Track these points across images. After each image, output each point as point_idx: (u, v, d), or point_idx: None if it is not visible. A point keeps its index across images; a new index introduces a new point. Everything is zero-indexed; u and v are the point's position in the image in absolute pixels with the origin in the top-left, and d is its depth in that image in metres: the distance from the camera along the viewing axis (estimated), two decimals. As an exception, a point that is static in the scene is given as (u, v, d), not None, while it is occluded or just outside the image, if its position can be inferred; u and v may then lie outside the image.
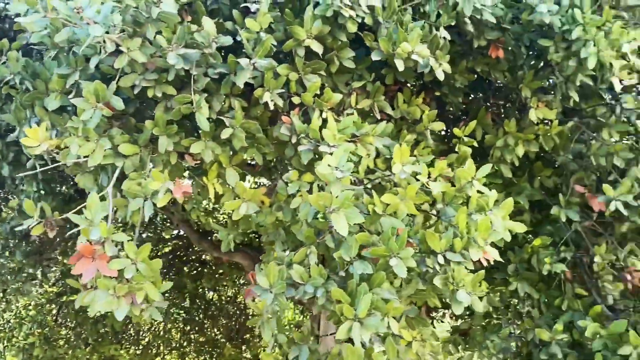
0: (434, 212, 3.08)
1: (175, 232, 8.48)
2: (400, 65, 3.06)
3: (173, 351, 10.20)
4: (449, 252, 2.74)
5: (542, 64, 4.01)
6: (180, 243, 9.05)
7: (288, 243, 3.29)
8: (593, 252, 3.92)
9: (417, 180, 3.01)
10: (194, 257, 9.13)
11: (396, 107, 3.88)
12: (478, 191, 3.09)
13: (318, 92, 3.13)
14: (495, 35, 3.68)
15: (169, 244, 8.88)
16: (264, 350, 3.18)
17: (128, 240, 2.57)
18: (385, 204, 2.78)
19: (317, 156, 3.05)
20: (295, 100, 3.08)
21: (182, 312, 10.05)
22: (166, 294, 9.86)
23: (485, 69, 3.90)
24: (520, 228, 3.07)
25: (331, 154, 2.73)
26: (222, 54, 3.07)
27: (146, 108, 3.25)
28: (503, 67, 3.92)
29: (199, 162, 3.08)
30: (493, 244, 4.41)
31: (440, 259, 2.71)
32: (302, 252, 2.83)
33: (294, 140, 2.96)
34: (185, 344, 10.23)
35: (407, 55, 3.07)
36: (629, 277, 3.79)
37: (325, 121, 3.02)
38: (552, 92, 4.18)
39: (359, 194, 2.93)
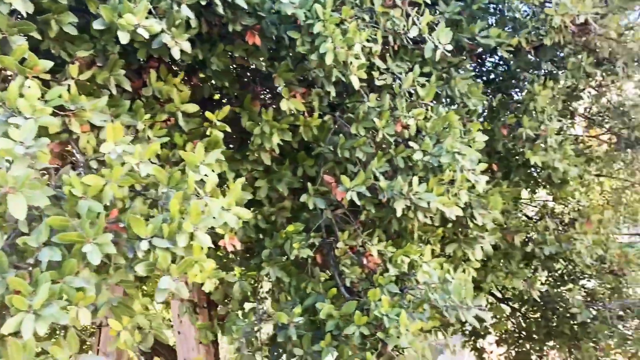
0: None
1: None
2: (123, 38, 2.86)
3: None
4: (156, 237, 2.64)
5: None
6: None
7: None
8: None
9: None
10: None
11: (149, 85, 3.69)
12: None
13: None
14: (250, 21, 3.67)
15: None
16: None
17: None
18: (86, 186, 2.57)
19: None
20: (-4, 64, 2.70)
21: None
22: None
23: (243, 55, 3.89)
24: (246, 215, 3.10)
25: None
26: None
27: None
28: (263, 55, 3.95)
29: None
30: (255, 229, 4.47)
31: (144, 245, 2.59)
32: (-15, 236, 2.49)
33: (-13, 109, 2.59)
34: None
35: (134, 28, 2.88)
36: (365, 261, 4.11)
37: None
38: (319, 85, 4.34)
39: (65, 173, 2.67)
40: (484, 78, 6.03)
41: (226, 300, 4.71)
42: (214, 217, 2.81)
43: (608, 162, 6.13)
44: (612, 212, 6.07)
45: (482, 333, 7.41)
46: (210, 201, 2.83)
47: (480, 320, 3.57)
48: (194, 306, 4.77)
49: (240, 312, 4.24)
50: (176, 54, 3.13)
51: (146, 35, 2.90)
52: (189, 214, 2.71)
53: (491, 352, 7.84)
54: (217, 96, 5.21)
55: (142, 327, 3.19)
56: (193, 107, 3.73)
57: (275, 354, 3.97)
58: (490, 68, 5.87)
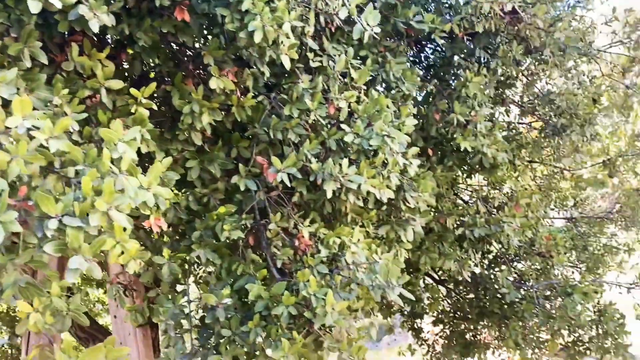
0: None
1: None
2: (34, 7, 2.72)
3: None
4: (67, 216, 2.55)
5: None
6: None
7: None
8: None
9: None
10: None
11: (70, 59, 3.53)
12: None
13: None
14: (178, -5, 3.56)
15: None
16: None
17: None
18: (-12, 162, 2.44)
19: None
20: None
21: None
22: None
23: (172, 31, 3.78)
24: (166, 194, 3.03)
25: None
26: None
27: None
28: (193, 32, 3.85)
29: None
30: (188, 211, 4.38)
31: (53, 224, 2.50)
32: None
33: None
34: None
35: (46, -2, 2.74)
36: (297, 242, 4.12)
37: None
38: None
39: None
40: (424, 64, 6.12)
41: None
42: (130, 197, 2.73)
43: (537, 148, 6.40)
44: (541, 197, 6.33)
45: (420, 313, 7.63)
46: (126, 179, 2.75)
47: (405, 298, 3.67)
48: (125, 288, 4.66)
49: (170, 295, 4.18)
50: (95, 27, 3.01)
51: (59, 5, 2.76)
52: (103, 192, 2.63)
53: (428, 332, 8.10)
54: (152, 74, 5.06)
55: (60, 310, 3.09)
56: (117, 84, 3.59)
57: (205, 335, 3.94)
58: (429, 54, 5.96)
